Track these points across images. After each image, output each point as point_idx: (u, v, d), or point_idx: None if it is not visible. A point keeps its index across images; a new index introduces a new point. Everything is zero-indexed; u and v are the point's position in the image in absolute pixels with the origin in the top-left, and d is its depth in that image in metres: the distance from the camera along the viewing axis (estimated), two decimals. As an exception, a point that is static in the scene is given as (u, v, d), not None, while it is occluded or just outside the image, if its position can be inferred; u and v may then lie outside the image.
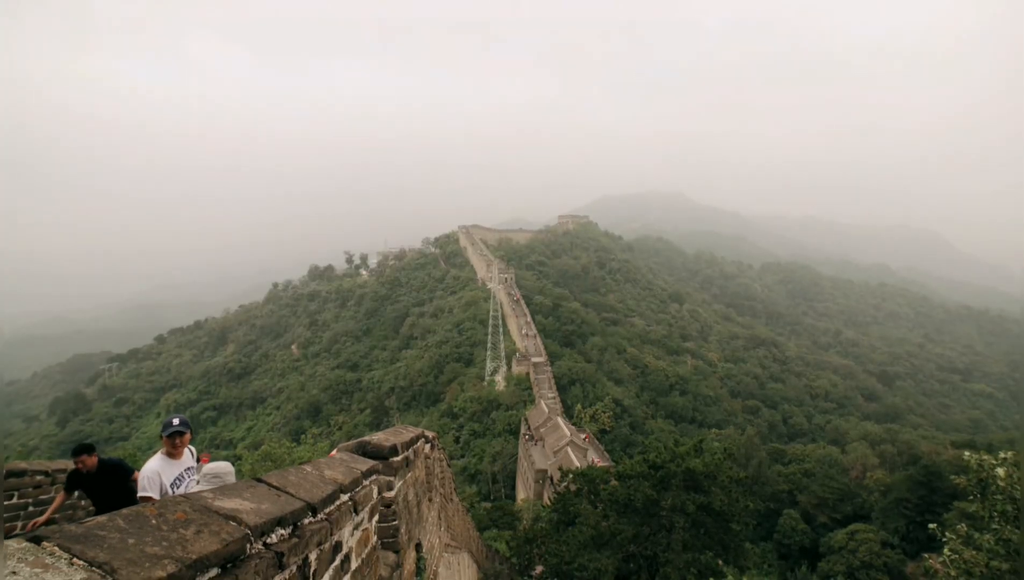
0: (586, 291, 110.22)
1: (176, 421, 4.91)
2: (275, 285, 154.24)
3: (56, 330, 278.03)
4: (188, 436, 4.96)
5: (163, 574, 0.97)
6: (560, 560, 17.25)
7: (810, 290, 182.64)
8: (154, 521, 1.20)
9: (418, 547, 4.60)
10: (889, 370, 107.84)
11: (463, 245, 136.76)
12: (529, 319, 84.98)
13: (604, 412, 61.37)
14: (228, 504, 1.50)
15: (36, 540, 0.94)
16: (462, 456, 59.05)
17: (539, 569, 18.83)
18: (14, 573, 0.83)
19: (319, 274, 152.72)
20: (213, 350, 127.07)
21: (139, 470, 5.78)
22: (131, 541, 1.04)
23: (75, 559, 0.90)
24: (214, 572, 1.17)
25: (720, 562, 16.77)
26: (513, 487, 53.17)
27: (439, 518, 6.75)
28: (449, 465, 10.08)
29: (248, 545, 1.38)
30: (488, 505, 45.79)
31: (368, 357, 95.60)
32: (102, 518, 1.15)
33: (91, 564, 0.89)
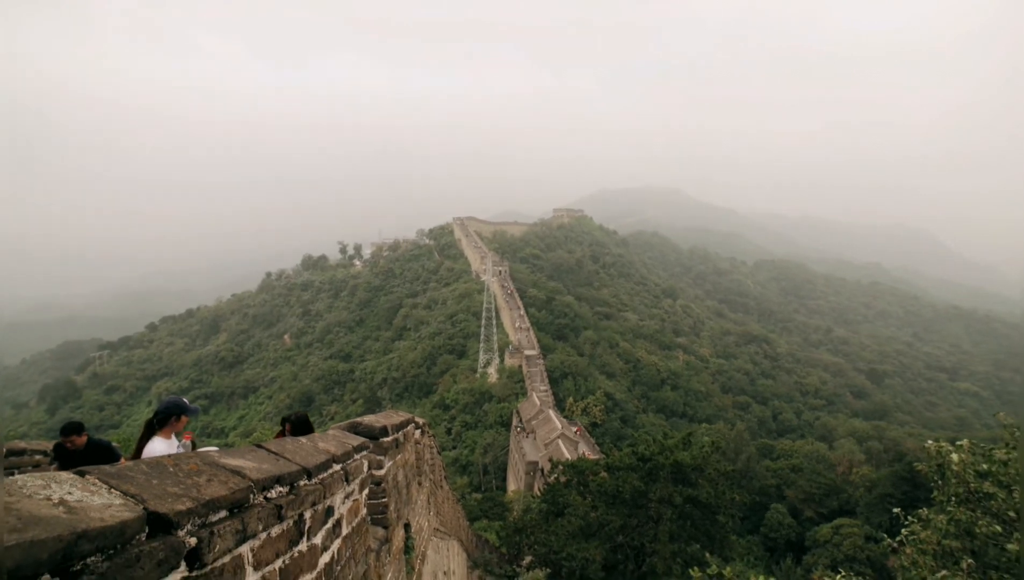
0: (580, 285, 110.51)
1: (187, 401, 4.98)
2: (268, 274, 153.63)
3: (46, 316, 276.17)
4: None
5: (183, 508, 1.21)
6: (549, 550, 17.47)
7: (803, 288, 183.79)
8: (171, 469, 1.43)
9: (407, 527, 4.77)
10: (878, 368, 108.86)
11: (458, 237, 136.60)
12: (522, 312, 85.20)
13: (596, 406, 61.73)
14: (233, 462, 1.68)
15: (80, 473, 1.19)
16: (454, 447, 59.37)
17: (527, 559, 19.04)
18: (70, 492, 1.07)
19: (313, 264, 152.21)
20: (205, 339, 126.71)
21: (126, 456, 5.86)
22: (155, 482, 1.28)
23: (112, 489, 1.15)
24: (223, 514, 1.40)
25: (707, 554, 17.05)
26: (504, 479, 53.57)
27: (428, 503, 6.92)
28: (440, 453, 10.26)
29: (251, 495, 1.56)
30: (479, 496, 46.13)
31: (361, 348, 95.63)
32: (129, 463, 1.37)
33: (125, 494, 1.14)
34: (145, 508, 1.12)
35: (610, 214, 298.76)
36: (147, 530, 1.10)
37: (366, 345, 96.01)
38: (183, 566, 1.20)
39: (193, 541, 1.24)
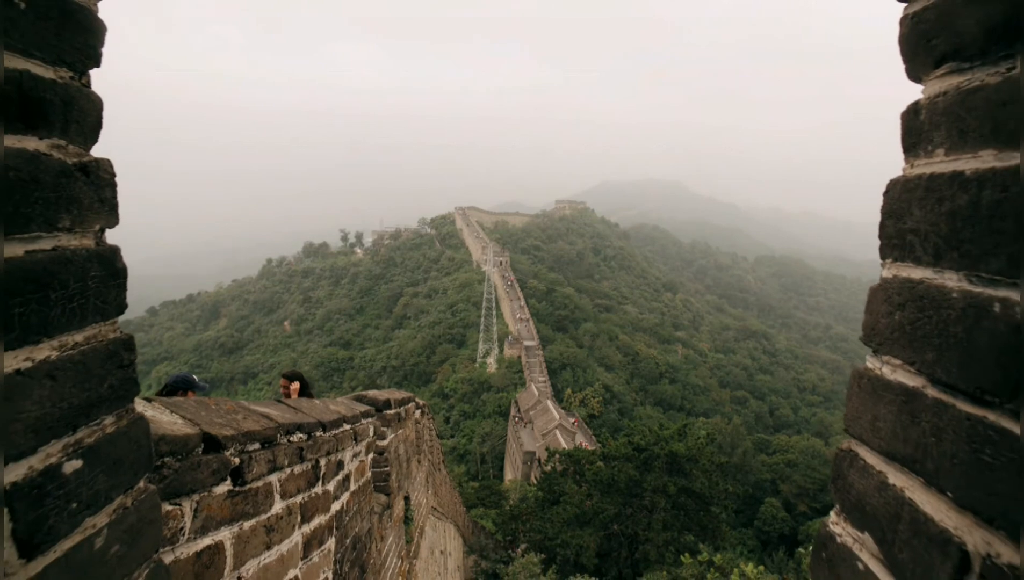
0: (580, 277, 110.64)
1: (195, 378, 5.13)
2: (269, 261, 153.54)
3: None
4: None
5: (228, 433, 1.46)
6: (544, 536, 17.74)
7: (802, 284, 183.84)
8: (213, 407, 1.66)
9: (407, 500, 4.97)
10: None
11: (459, 226, 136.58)
12: (523, 303, 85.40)
13: (594, 397, 62.06)
14: (261, 409, 1.90)
15: (147, 399, 1.42)
16: (452, 436, 59.77)
17: (523, 546, 19.26)
18: (145, 410, 1.27)
19: (313, 251, 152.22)
20: (205, 324, 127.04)
21: None
22: (203, 413, 1.52)
23: (173, 412, 1.41)
24: (257, 446, 1.65)
25: (701, 545, 17.34)
26: (501, 468, 54.00)
27: (427, 481, 7.13)
28: (439, 436, 10.48)
29: (279, 435, 1.80)
30: (476, 484, 46.41)
31: (361, 335, 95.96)
32: (179, 398, 1.58)
33: (184, 418, 1.40)
34: (200, 429, 1.37)
35: (612, 206, 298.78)
36: (202, 446, 1.36)
37: (366, 333, 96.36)
38: (228, 480, 1.47)
39: (236, 461, 1.50)
